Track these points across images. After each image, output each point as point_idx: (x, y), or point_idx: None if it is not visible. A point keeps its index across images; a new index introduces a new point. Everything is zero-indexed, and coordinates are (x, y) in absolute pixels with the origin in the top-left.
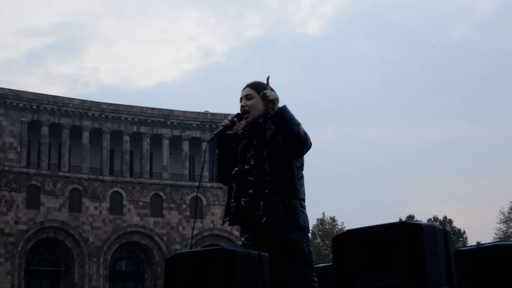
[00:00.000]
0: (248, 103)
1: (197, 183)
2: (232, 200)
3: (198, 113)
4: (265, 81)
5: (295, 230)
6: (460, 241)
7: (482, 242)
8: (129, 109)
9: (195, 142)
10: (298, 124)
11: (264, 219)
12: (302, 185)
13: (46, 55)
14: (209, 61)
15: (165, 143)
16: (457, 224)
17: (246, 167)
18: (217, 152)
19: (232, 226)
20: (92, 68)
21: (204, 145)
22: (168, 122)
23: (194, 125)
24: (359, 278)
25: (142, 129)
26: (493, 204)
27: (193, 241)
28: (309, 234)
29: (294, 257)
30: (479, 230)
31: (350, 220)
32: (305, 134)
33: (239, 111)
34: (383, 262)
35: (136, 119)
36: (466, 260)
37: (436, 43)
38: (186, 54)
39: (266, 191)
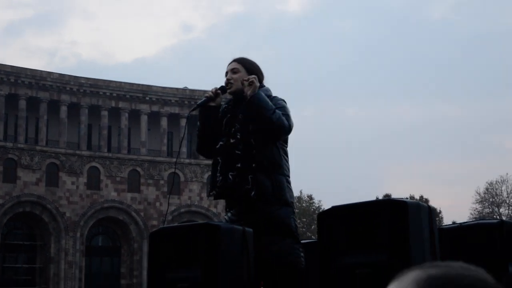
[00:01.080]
0: (234, 76)
1: (175, 159)
2: (218, 174)
3: (177, 89)
4: (250, 58)
5: (282, 205)
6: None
7: (458, 222)
8: (107, 84)
9: (173, 118)
10: (271, 110)
11: (253, 192)
12: (287, 161)
13: (25, 27)
14: (189, 37)
15: (144, 118)
16: (433, 203)
17: (231, 141)
18: (198, 124)
19: (216, 200)
20: (70, 42)
21: (183, 121)
22: (147, 98)
23: (172, 101)
24: (343, 254)
25: (120, 105)
26: (469, 185)
27: (171, 217)
28: (295, 210)
29: (281, 232)
30: (455, 210)
31: (327, 199)
32: (279, 119)
33: (224, 84)
34: (368, 238)
35: (114, 94)
36: (449, 238)
37: (416, 23)
38: (166, 30)
39: (253, 165)
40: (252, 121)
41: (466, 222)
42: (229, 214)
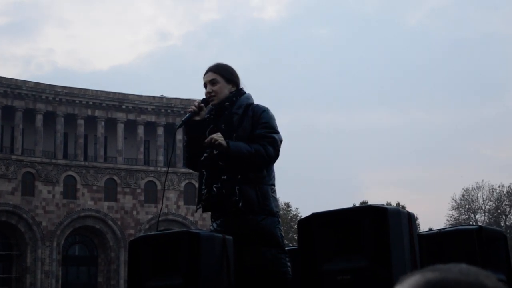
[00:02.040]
0: (214, 88)
1: (152, 168)
2: (203, 187)
3: (154, 97)
4: (224, 63)
5: (267, 215)
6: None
7: (434, 229)
8: (83, 92)
9: (150, 127)
10: (250, 155)
11: (241, 204)
12: (273, 171)
13: None
14: (165, 44)
15: (120, 127)
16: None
17: (215, 152)
18: (185, 139)
19: (205, 212)
20: (45, 50)
21: (160, 130)
22: (123, 106)
23: (149, 109)
24: (324, 261)
25: (96, 113)
26: (445, 191)
27: (148, 226)
28: (280, 219)
29: (267, 242)
30: (431, 217)
31: (304, 206)
32: (262, 156)
33: (205, 97)
34: (349, 245)
35: (90, 103)
36: (428, 244)
37: (393, 29)
38: (142, 37)
39: (239, 176)
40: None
41: (445, 228)
42: (214, 225)
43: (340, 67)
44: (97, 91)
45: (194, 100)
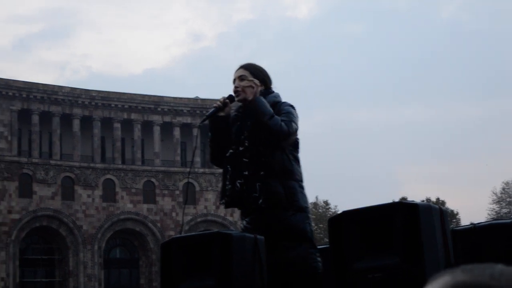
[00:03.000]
0: (242, 83)
1: (189, 169)
2: (227, 183)
3: (189, 99)
4: (257, 64)
5: (296, 211)
6: (454, 222)
7: (474, 223)
8: (119, 96)
9: (186, 128)
10: (268, 115)
11: (261, 200)
12: (299, 167)
13: (35, 42)
14: (199, 46)
15: (156, 129)
16: (450, 205)
17: (240, 148)
18: (209, 134)
19: (228, 208)
20: (81, 55)
21: (195, 131)
22: (159, 109)
23: (184, 111)
24: (356, 259)
25: (132, 116)
26: (486, 185)
27: (187, 227)
28: (310, 215)
29: (297, 238)
30: (472, 211)
31: (343, 204)
32: (276, 124)
33: (232, 93)
34: (380, 242)
35: (126, 106)
36: (463, 239)
37: (425, 23)
38: (176, 40)
39: (262, 173)
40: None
41: (480, 223)
42: (244, 222)
43: (374, 62)
44: (132, 94)
45: (216, 102)
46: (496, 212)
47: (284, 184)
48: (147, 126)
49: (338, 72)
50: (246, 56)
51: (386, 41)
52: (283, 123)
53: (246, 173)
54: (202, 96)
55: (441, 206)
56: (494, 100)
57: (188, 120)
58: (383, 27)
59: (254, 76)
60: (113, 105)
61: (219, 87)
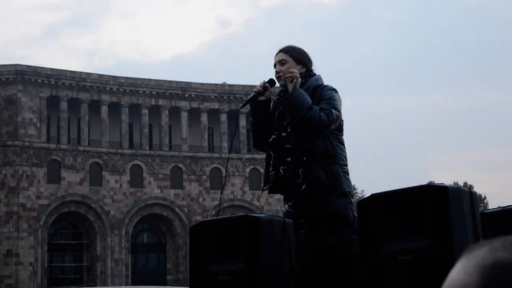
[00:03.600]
0: (283, 68)
1: (216, 155)
2: (271, 169)
3: (216, 84)
4: (296, 45)
5: (339, 196)
6: (481, 206)
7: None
8: (146, 82)
9: (213, 114)
10: (305, 108)
11: (304, 186)
12: (343, 150)
13: (63, 29)
14: (226, 32)
15: (184, 115)
16: (478, 190)
17: (283, 134)
18: (251, 120)
19: (273, 194)
20: (108, 42)
21: (223, 117)
22: (186, 95)
23: (212, 97)
24: (384, 242)
25: (160, 102)
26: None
27: (214, 212)
28: (353, 199)
29: (339, 223)
30: (500, 196)
31: (370, 188)
32: (313, 116)
33: (273, 77)
34: (409, 225)
35: (154, 92)
36: (492, 222)
37: (455, 9)
38: (203, 25)
39: (304, 158)
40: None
41: (509, 205)
42: (286, 207)
43: (402, 48)
44: (159, 80)
45: (256, 86)
46: None
47: (327, 169)
48: (174, 112)
49: (366, 57)
50: (273, 42)
51: (414, 26)
52: (322, 113)
53: (289, 159)
54: (229, 81)
55: (471, 189)
56: None
57: (216, 105)
58: (410, 12)
59: (294, 59)
60: (140, 92)
61: (246, 72)
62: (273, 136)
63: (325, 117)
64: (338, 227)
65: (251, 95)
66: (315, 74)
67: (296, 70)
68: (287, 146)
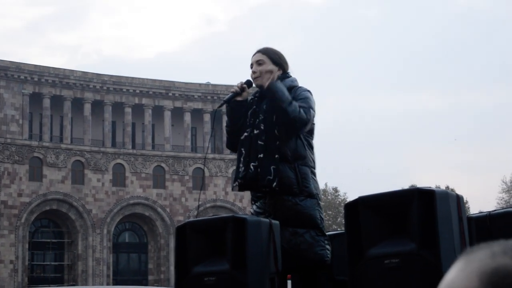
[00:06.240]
0: (259, 68)
1: (199, 155)
2: (241, 165)
3: (200, 84)
4: (274, 47)
5: (306, 197)
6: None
7: (484, 211)
8: (130, 81)
9: (196, 114)
10: (286, 101)
11: (275, 183)
12: (312, 153)
13: (46, 25)
14: (211, 30)
15: (167, 114)
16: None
17: (255, 131)
18: (227, 120)
19: (241, 191)
20: (92, 38)
21: (207, 117)
22: (170, 94)
23: (195, 96)
24: (371, 245)
25: (143, 101)
26: (495, 174)
27: (196, 213)
28: (320, 202)
29: (306, 224)
30: (481, 200)
31: (352, 191)
32: (294, 111)
33: (250, 78)
34: (396, 228)
35: (137, 91)
36: (478, 226)
37: (441, 10)
38: (188, 23)
39: (276, 156)
40: (273, 112)
41: (495, 210)
42: (254, 207)
43: (386, 48)
44: (143, 79)
45: (233, 87)
46: (505, 201)
47: (296, 169)
48: (158, 111)
49: (350, 56)
50: (258, 41)
51: (401, 26)
52: (301, 110)
53: (261, 155)
54: (213, 81)
55: (458, 194)
56: (504, 87)
57: (199, 105)
58: (395, 12)
59: (271, 60)
60: (124, 90)
61: (230, 72)
62: (245, 134)
63: (304, 114)
64: (305, 227)
65: (228, 96)
66: (290, 76)
67: (274, 67)
68: (259, 142)
